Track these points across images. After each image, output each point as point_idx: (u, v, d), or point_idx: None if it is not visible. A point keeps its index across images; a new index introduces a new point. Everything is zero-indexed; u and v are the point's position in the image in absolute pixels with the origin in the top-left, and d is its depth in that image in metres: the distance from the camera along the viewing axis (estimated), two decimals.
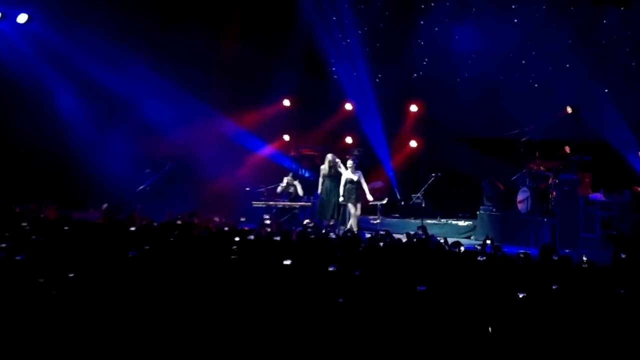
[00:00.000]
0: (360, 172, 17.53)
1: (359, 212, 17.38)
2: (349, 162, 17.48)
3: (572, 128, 17.75)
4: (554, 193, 16.35)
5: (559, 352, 5.63)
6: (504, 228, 17.35)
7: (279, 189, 18.92)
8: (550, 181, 16.80)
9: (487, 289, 6.93)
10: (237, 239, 9.78)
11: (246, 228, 12.00)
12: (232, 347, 5.69)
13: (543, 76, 19.81)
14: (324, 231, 12.98)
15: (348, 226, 16.70)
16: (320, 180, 17.76)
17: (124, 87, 19.43)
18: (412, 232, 12.76)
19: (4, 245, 8.52)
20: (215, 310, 6.21)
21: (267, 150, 21.48)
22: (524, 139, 17.63)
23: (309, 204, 18.68)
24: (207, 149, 20.04)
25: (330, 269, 7.54)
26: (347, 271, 7.56)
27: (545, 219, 16.09)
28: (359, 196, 17.32)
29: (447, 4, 20.31)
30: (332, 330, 5.81)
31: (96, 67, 19.19)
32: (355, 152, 19.64)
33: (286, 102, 21.42)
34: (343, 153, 18.77)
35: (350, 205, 17.27)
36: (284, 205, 18.57)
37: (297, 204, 18.63)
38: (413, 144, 21.26)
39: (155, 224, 11.88)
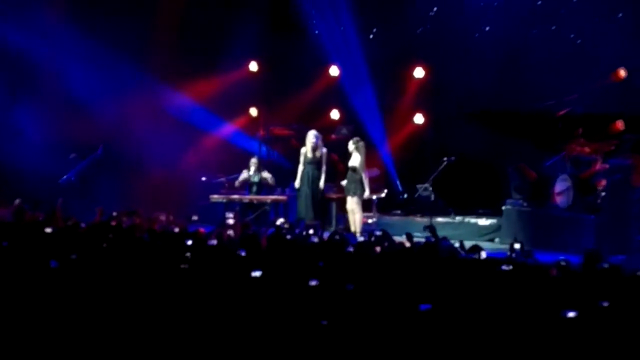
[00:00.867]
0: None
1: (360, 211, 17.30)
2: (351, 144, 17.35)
3: (625, 99, 17.84)
4: (602, 183, 16.43)
5: None
6: (536, 228, 17.45)
7: (238, 181, 18.81)
8: (597, 167, 16.89)
9: (515, 308, 6.95)
10: (189, 242, 9.78)
11: (202, 230, 11.99)
12: None
13: (587, 31, 19.81)
14: (303, 233, 13.00)
15: (335, 227, 16.75)
16: (300, 167, 17.73)
17: (38, 50, 19.33)
18: (416, 234, 12.80)
19: None
20: (161, 336, 6.21)
21: (228, 129, 21.49)
22: (561, 113, 17.72)
23: (284, 197, 18.70)
24: (148, 129, 20.00)
25: (312, 283, 7.56)
26: (333, 286, 7.58)
27: (592, 217, 16.18)
28: (360, 189, 17.22)
29: None
30: None
31: None
32: (344, 131, 19.66)
33: (252, 67, 21.37)
34: (327, 132, 18.82)
35: (350, 200, 17.21)
36: (251, 200, 18.57)
37: (268, 198, 18.65)
38: (418, 119, 21.30)
39: (82, 225, 11.87)
